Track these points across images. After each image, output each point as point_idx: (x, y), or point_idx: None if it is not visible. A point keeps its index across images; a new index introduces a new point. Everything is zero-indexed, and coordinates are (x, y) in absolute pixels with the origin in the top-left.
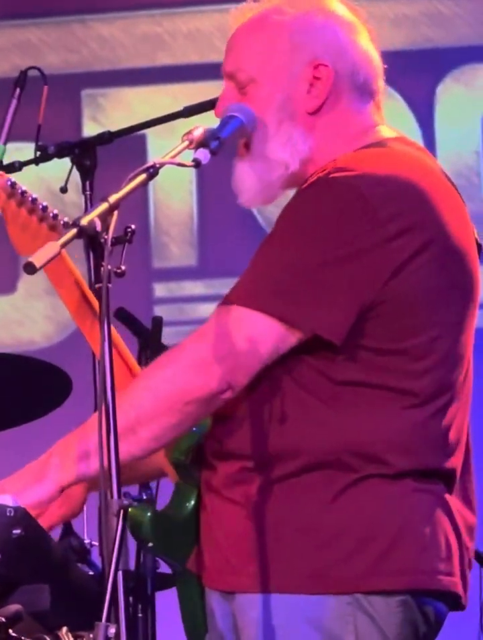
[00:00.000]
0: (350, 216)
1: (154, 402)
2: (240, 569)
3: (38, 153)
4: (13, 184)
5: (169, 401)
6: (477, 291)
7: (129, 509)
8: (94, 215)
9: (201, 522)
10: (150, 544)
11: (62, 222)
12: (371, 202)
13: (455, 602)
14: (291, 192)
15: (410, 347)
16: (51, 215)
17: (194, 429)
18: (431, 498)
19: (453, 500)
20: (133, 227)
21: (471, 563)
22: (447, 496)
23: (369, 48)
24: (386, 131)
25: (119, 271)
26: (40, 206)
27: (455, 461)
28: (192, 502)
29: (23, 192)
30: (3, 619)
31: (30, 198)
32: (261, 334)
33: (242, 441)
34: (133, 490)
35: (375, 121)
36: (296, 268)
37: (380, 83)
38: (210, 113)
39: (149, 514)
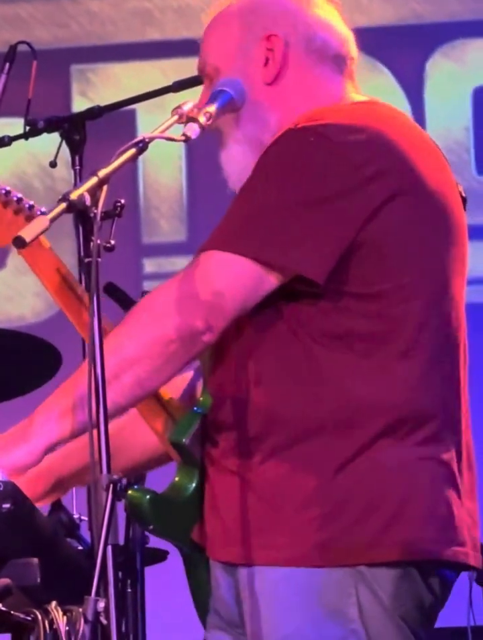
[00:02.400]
0: (324, 160)
1: (135, 346)
2: (242, 541)
3: (28, 127)
4: None
5: (150, 343)
6: (462, 238)
7: (129, 492)
8: (83, 189)
9: (205, 495)
10: (151, 526)
11: (38, 212)
12: (341, 148)
13: (466, 567)
14: None
15: (386, 289)
16: (26, 206)
17: (195, 408)
18: (435, 466)
19: (458, 466)
20: (122, 201)
21: (476, 524)
22: (449, 457)
23: (328, 15)
24: (357, 97)
25: (108, 245)
26: (14, 198)
27: (456, 414)
28: (194, 484)
29: None
30: None
31: (3, 191)
32: (238, 276)
33: (237, 411)
34: None
35: (345, 89)
36: (272, 210)
37: (349, 49)
38: (200, 88)
39: (148, 496)
